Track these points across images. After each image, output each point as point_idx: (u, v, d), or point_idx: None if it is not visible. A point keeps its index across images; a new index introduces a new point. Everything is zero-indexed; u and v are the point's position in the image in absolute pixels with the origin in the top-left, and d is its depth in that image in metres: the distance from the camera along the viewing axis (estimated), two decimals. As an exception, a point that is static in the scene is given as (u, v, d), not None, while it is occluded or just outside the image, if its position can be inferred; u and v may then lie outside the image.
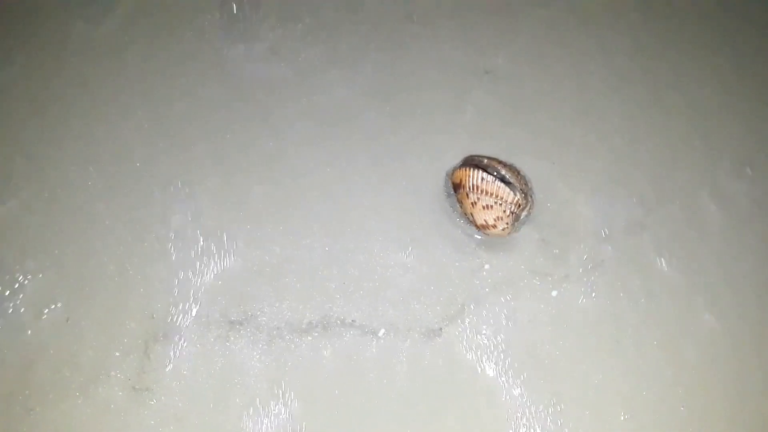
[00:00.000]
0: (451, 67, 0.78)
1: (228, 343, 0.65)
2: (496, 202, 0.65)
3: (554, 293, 0.68)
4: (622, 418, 0.64)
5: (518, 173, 0.68)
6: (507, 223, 0.66)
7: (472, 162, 0.68)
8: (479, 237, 0.70)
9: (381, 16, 0.81)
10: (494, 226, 0.66)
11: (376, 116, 0.76)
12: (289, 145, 0.73)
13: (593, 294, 0.68)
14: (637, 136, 0.76)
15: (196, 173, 0.71)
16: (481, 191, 0.65)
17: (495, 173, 0.66)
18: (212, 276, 0.67)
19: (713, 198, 0.73)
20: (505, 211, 0.65)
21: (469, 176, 0.66)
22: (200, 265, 0.67)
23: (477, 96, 0.77)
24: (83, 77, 0.75)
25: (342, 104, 0.76)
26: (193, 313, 0.65)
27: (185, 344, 0.64)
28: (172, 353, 0.64)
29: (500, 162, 0.68)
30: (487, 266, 0.69)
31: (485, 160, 0.68)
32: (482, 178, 0.65)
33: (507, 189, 0.65)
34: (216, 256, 0.68)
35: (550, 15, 0.82)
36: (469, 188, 0.66)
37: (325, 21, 0.80)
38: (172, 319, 0.65)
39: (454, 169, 0.68)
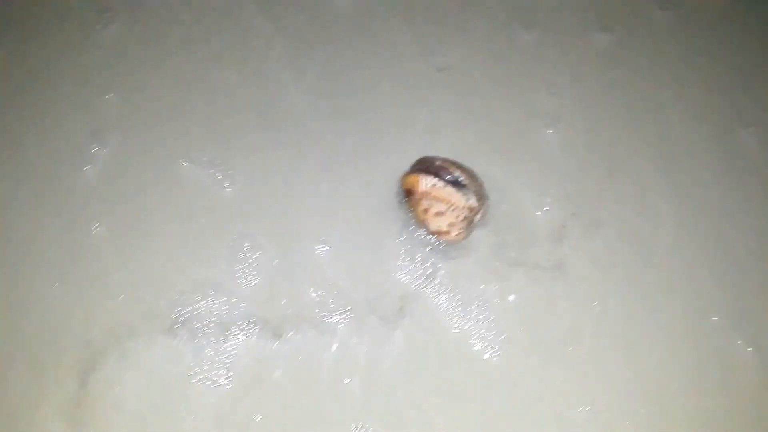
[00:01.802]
0: (403, 65, 0.76)
1: (170, 367, 0.61)
2: (448, 208, 0.63)
3: (512, 297, 0.67)
4: (582, 420, 0.63)
5: (472, 175, 0.66)
6: (461, 229, 0.64)
7: (423, 165, 0.66)
8: (434, 242, 0.67)
9: (328, 15, 0.77)
10: (448, 233, 0.64)
11: (325, 119, 0.73)
12: (237, 152, 0.70)
13: (551, 297, 0.67)
14: (592, 135, 0.74)
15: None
16: (433, 197, 0.63)
17: (447, 177, 0.64)
18: (153, 296, 0.64)
19: (666, 195, 0.73)
20: (458, 217, 0.63)
21: (419, 182, 0.63)
22: (138, 286, 0.64)
23: (430, 95, 0.75)
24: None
25: (288, 107, 0.73)
26: (133, 338, 0.62)
27: (126, 372, 0.61)
28: (111, 382, 0.60)
29: (454, 163, 0.66)
30: (442, 272, 0.67)
31: (438, 162, 0.66)
32: (433, 185, 0.63)
33: (458, 194, 0.63)
34: (157, 276, 0.64)
35: (503, 11, 0.79)
36: (420, 195, 0.63)
37: (270, 20, 0.76)
38: (110, 345, 0.61)
39: (405, 175, 0.66)
